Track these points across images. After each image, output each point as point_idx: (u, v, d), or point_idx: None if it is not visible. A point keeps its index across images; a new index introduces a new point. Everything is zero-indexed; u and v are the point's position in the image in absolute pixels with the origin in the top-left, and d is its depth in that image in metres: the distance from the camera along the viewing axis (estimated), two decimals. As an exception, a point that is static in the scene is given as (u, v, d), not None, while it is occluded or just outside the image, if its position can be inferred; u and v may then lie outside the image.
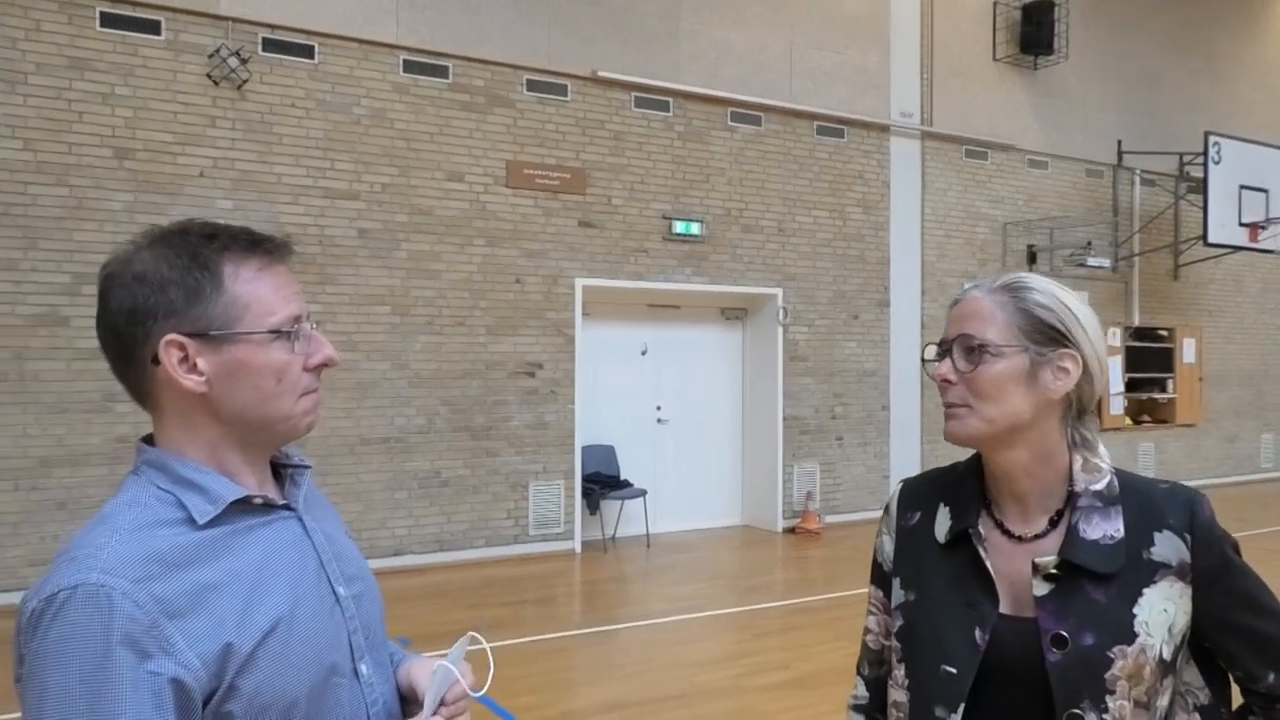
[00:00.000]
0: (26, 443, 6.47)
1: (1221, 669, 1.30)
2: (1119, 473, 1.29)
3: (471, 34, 7.97)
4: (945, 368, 1.26)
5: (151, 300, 1.07)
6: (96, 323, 1.12)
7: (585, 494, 8.51)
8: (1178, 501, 1.25)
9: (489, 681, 1.26)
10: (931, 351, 1.31)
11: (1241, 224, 11.11)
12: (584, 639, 5.95)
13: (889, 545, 1.43)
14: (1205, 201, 10.85)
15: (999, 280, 1.29)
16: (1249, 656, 1.26)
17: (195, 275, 1.08)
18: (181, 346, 1.08)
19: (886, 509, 1.46)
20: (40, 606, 0.98)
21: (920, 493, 1.41)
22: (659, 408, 9.37)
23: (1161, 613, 1.21)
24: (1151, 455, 12.18)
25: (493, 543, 8.04)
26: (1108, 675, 1.18)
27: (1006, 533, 1.29)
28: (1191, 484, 1.29)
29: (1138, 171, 12.16)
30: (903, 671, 1.33)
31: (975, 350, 1.24)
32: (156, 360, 1.08)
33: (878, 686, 1.45)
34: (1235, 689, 1.32)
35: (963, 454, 1.39)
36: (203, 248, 1.10)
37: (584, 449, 8.58)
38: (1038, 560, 1.23)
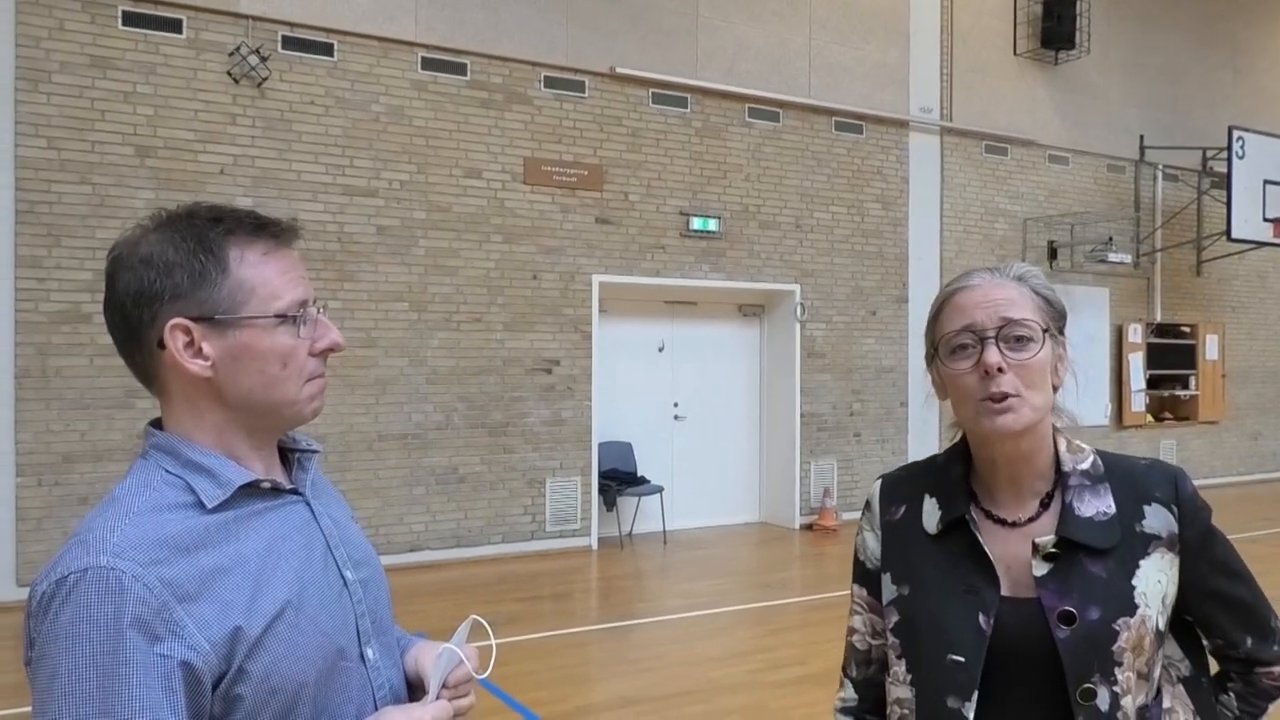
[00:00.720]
0: (49, 438, 6.54)
1: (1196, 641, 1.33)
2: (1099, 452, 1.32)
3: (490, 31, 7.99)
4: (996, 356, 1.21)
5: (158, 284, 1.07)
6: (104, 306, 1.12)
7: (602, 490, 8.51)
8: (1162, 476, 1.29)
9: (492, 664, 1.26)
10: (948, 342, 1.26)
11: (1266, 219, 10.98)
12: (600, 634, 5.96)
13: (873, 541, 1.41)
14: (1229, 197, 10.73)
15: (1009, 270, 1.29)
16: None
17: (201, 259, 1.08)
18: (187, 330, 1.08)
19: (867, 505, 1.44)
20: (50, 589, 0.98)
21: (902, 486, 1.41)
22: (676, 404, 9.37)
23: (1156, 584, 1.23)
24: (1173, 453, 12.05)
25: (509, 539, 8.06)
26: (1114, 648, 1.20)
27: (997, 520, 1.29)
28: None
29: (1160, 167, 12.03)
30: (904, 667, 1.31)
31: (1024, 338, 1.23)
32: (162, 344, 1.08)
33: (866, 687, 1.44)
34: (1211, 662, 1.35)
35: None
36: (208, 231, 1.09)
37: (601, 445, 8.59)
38: (1037, 540, 1.24)
